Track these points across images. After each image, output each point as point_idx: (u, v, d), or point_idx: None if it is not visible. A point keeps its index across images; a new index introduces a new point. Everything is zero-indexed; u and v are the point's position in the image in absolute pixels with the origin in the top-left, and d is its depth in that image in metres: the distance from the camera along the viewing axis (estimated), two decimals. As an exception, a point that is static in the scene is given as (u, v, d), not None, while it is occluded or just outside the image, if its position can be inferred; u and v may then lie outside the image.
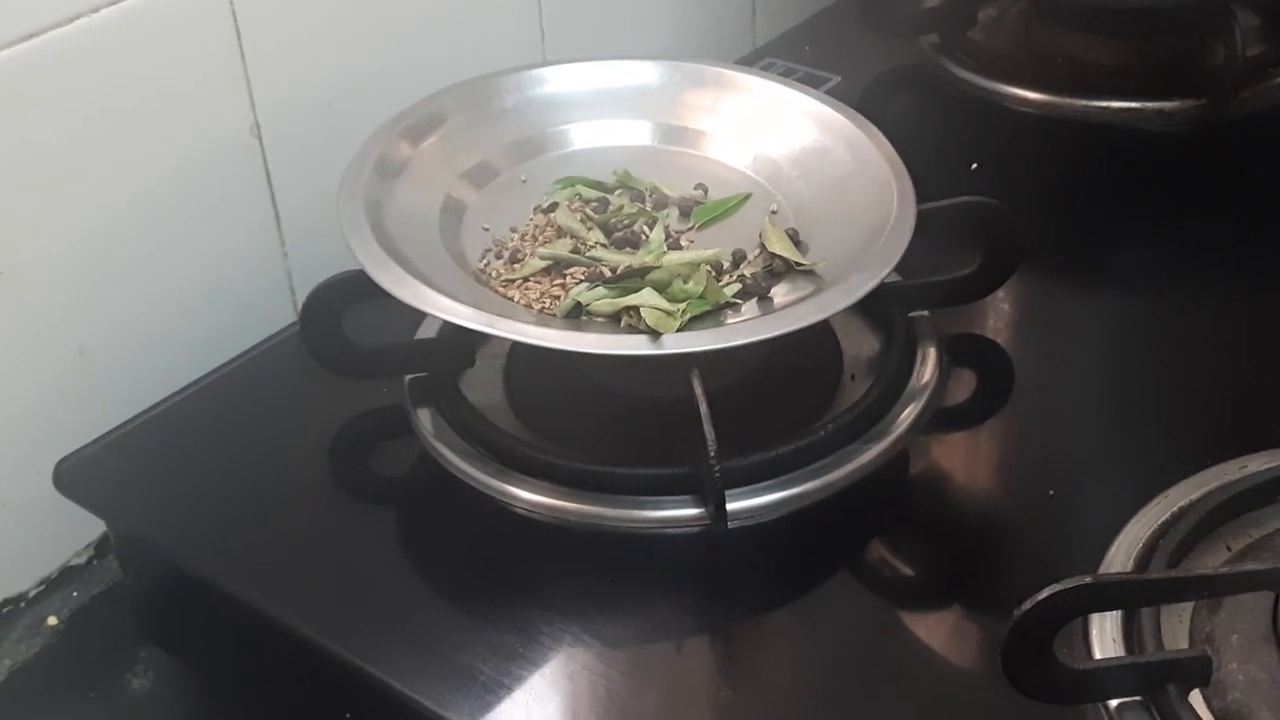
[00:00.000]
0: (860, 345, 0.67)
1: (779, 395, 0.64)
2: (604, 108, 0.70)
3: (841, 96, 0.71)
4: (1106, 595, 0.49)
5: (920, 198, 0.63)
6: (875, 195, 0.64)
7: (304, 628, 0.57)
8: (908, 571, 0.61)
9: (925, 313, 0.67)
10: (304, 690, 0.60)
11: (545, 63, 0.71)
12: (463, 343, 0.65)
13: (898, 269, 0.63)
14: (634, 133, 0.70)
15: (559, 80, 0.70)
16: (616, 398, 0.63)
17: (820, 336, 0.67)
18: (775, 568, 0.59)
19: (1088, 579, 0.47)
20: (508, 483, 0.60)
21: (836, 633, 0.57)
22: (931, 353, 0.65)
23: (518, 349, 0.66)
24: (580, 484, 0.59)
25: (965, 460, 0.65)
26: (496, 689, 0.53)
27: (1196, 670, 0.49)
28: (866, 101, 0.86)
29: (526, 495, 0.59)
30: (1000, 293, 0.69)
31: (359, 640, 0.56)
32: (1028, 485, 0.63)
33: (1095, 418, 0.66)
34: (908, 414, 0.62)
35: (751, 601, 0.58)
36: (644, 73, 0.71)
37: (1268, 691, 0.49)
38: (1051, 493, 0.61)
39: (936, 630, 0.58)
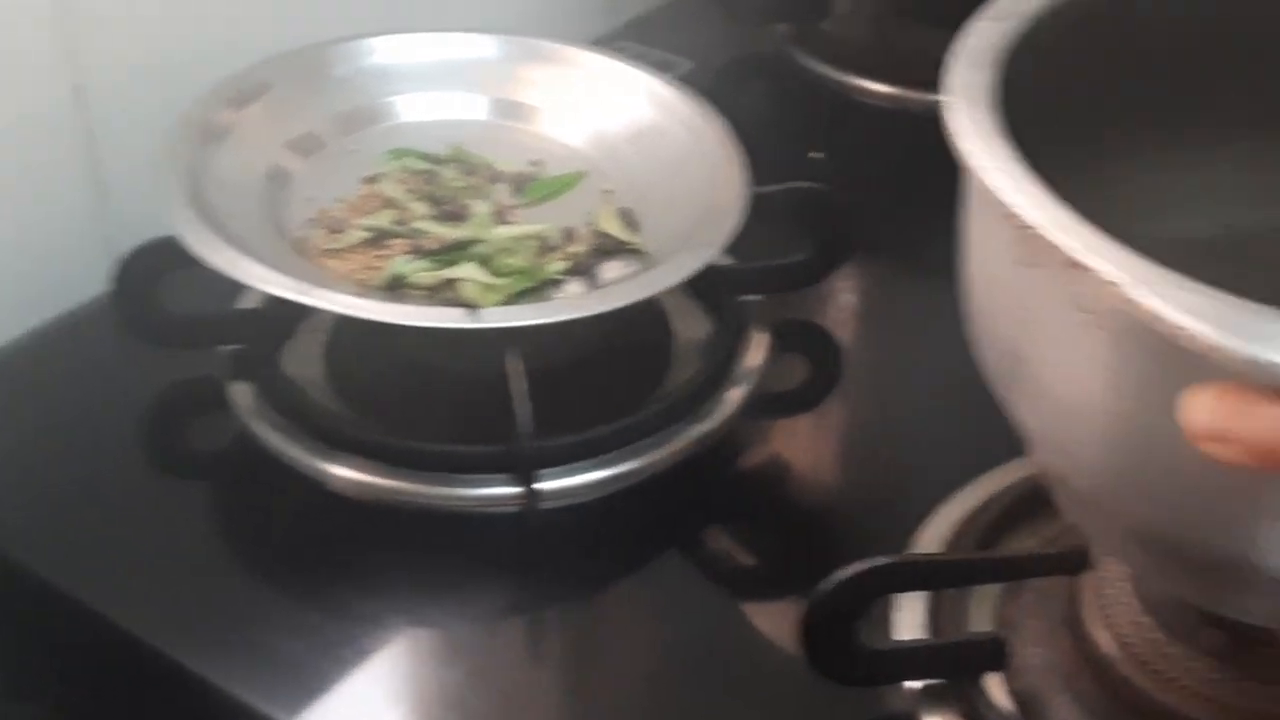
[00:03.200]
0: (693, 329, 0.67)
1: (607, 376, 0.63)
2: (438, 80, 0.69)
3: (694, 82, 0.71)
4: (904, 576, 0.49)
5: (763, 184, 0.63)
6: (710, 177, 0.64)
7: (108, 610, 0.55)
8: (728, 552, 0.60)
9: (758, 297, 0.67)
10: (111, 674, 0.58)
11: (377, 33, 0.70)
12: (281, 314, 0.63)
13: (733, 253, 0.62)
14: (469, 106, 0.69)
15: (391, 51, 0.69)
16: (438, 374, 0.62)
17: (651, 318, 0.66)
18: (592, 547, 0.58)
19: (884, 560, 0.47)
20: (323, 460, 0.58)
21: (652, 612, 0.57)
22: (761, 338, 0.65)
23: (341, 323, 0.64)
24: (396, 461, 0.58)
25: (791, 444, 0.65)
26: (301, 668, 0.52)
27: (990, 653, 0.49)
28: (718, 88, 0.85)
29: (342, 473, 0.58)
30: (838, 281, 0.70)
31: (164, 623, 0.54)
32: (851, 470, 0.64)
33: (921, 405, 0.66)
34: (733, 397, 0.62)
35: (565, 581, 0.57)
36: (480, 46, 0.70)
37: (1062, 675, 0.49)
38: (873, 478, 0.62)
39: (753, 611, 0.57)
